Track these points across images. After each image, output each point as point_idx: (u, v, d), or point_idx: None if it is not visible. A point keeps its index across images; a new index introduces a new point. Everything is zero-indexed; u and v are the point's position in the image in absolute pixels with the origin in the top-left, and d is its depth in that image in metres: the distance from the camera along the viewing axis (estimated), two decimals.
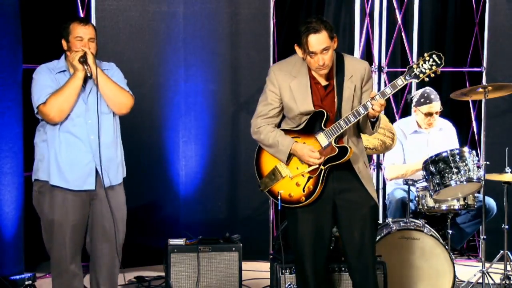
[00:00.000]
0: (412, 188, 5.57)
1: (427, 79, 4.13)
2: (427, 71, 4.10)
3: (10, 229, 5.68)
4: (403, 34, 6.95)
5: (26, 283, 5.44)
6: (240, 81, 6.77)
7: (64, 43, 4.46)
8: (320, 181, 4.21)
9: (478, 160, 5.37)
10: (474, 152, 5.37)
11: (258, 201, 6.76)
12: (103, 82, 4.42)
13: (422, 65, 4.10)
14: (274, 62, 6.78)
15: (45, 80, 4.42)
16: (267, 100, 4.32)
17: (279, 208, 4.27)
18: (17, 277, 5.50)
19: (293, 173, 4.26)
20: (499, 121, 6.68)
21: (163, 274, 5.74)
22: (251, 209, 6.76)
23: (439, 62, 4.09)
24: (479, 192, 5.62)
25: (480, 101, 6.72)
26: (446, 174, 5.25)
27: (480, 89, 5.46)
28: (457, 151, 5.32)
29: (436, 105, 6.00)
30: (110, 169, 4.50)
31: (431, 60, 4.09)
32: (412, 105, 6.11)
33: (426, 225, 5.35)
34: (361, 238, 4.26)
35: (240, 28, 6.74)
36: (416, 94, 6.09)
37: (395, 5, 6.95)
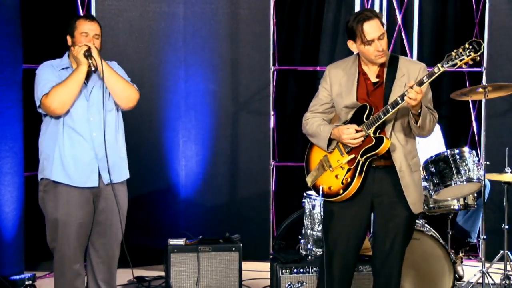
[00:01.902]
0: None
1: (465, 66, 4.05)
2: (465, 57, 4.01)
3: (11, 229, 5.69)
4: (403, 34, 6.95)
5: (26, 283, 5.45)
6: (240, 81, 6.77)
7: (69, 38, 4.48)
8: (358, 173, 4.18)
9: (478, 160, 5.37)
10: (474, 152, 5.37)
11: (258, 201, 6.76)
12: (109, 74, 4.44)
13: (460, 52, 4.02)
14: (274, 62, 6.79)
15: (48, 75, 4.44)
16: (318, 96, 4.38)
17: (320, 201, 4.27)
18: (17, 277, 5.50)
19: (333, 165, 4.27)
20: (499, 121, 6.68)
21: (163, 274, 5.75)
22: (251, 209, 6.76)
23: (477, 48, 3.99)
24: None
25: (480, 101, 6.72)
26: (446, 174, 5.25)
27: (480, 89, 5.45)
28: (457, 151, 5.32)
29: None
30: (113, 167, 4.50)
31: (471, 47, 4.00)
32: None
33: (426, 225, 5.35)
34: (391, 246, 4.25)
35: (240, 28, 6.74)
36: None
37: (395, 5, 6.95)
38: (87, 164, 4.44)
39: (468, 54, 4.01)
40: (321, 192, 4.29)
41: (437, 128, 6.19)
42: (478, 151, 6.57)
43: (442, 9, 7.15)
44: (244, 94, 6.77)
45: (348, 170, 4.22)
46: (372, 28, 4.14)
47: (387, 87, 4.20)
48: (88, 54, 4.37)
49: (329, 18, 7.05)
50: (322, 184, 4.30)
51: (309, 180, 4.40)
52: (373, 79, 4.25)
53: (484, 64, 6.74)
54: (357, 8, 6.95)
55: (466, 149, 5.37)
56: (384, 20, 4.07)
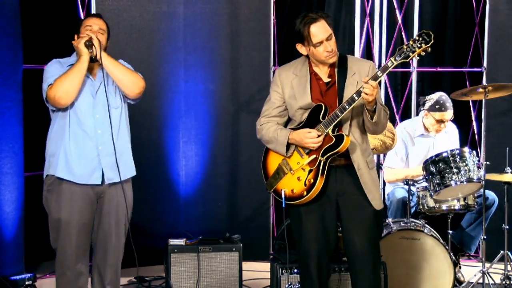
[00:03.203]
0: (412, 188, 5.57)
1: (417, 57, 4.09)
2: (417, 49, 4.04)
3: (11, 229, 5.68)
4: (403, 34, 6.95)
5: (26, 283, 5.44)
6: (240, 81, 6.77)
7: (76, 37, 4.49)
8: (320, 173, 4.19)
9: (479, 160, 5.37)
10: (474, 152, 5.37)
11: (258, 201, 6.76)
12: (110, 62, 4.43)
13: (411, 44, 4.05)
14: (274, 62, 6.79)
15: (56, 69, 4.46)
16: (270, 100, 4.38)
17: (283, 206, 4.27)
18: (17, 277, 5.50)
19: (294, 168, 4.26)
20: (499, 121, 6.68)
21: (163, 274, 5.75)
22: (251, 209, 6.76)
23: (428, 40, 4.02)
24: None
25: (480, 101, 6.72)
26: (447, 174, 5.25)
27: (480, 89, 5.45)
28: (457, 151, 5.32)
29: (449, 113, 5.96)
30: (116, 165, 4.50)
31: (421, 38, 4.04)
32: (423, 108, 6.04)
33: (426, 225, 5.35)
34: (361, 241, 4.24)
35: (240, 28, 6.74)
36: (430, 98, 5.97)
37: (395, 5, 6.95)
38: (90, 161, 4.44)
39: (419, 45, 4.04)
40: (283, 196, 4.27)
41: (455, 130, 6.19)
42: (478, 151, 6.56)
43: (442, 9, 7.15)
44: (244, 94, 6.77)
45: (310, 171, 4.22)
46: (319, 30, 4.13)
47: (340, 86, 4.22)
48: (89, 44, 4.37)
49: None
50: (284, 187, 4.29)
51: (269, 186, 4.38)
52: (325, 79, 4.27)
53: (484, 64, 6.75)
54: (357, 8, 6.96)
55: (466, 149, 5.38)
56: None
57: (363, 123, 4.27)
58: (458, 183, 5.23)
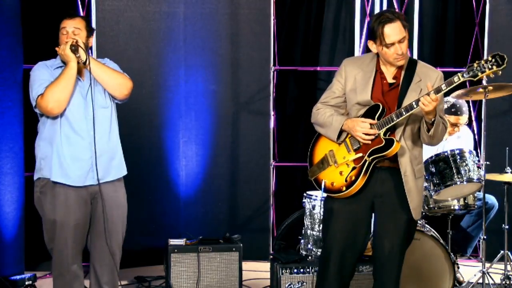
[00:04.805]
0: None
1: (485, 78, 4.02)
2: (487, 70, 3.96)
3: (11, 229, 5.69)
4: None
5: (27, 283, 5.44)
6: (240, 81, 6.77)
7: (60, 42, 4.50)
8: (363, 173, 4.17)
9: (479, 160, 5.37)
10: (474, 152, 5.37)
11: (258, 201, 6.76)
12: (96, 66, 4.42)
13: (483, 64, 3.98)
14: (274, 62, 6.79)
15: (43, 74, 4.43)
16: (331, 89, 4.34)
17: (321, 196, 4.25)
18: (18, 277, 5.50)
19: (339, 161, 4.26)
20: (499, 121, 6.68)
21: (163, 274, 5.75)
22: (251, 209, 6.76)
23: (500, 63, 3.95)
24: (479, 191, 5.59)
25: (480, 101, 6.72)
26: (447, 174, 5.25)
27: (480, 89, 5.44)
28: (457, 151, 5.32)
29: (465, 118, 5.93)
30: (110, 164, 4.50)
31: (493, 60, 3.96)
32: None
33: (426, 225, 5.35)
34: (391, 248, 4.22)
35: (240, 28, 6.74)
36: (447, 101, 5.92)
37: (395, 5, 6.94)
38: (85, 162, 4.43)
39: (490, 67, 3.96)
40: (322, 187, 4.28)
41: (469, 134, 6.17)
42: (478, 151, 6.56)
43: (442, 9, 7.15)
44: (244, 94, 6.77)
45: (354, 168, 4.21)
46: (393, 31, 4.07)
47: (402, 90, 4.18)
48: (74, 49, 4.36)
49: (329, 18, 7.05)
50: (325, 178, 4.28)
51: (311, 173, 4.39)
52: (390, 79, 4.22)
53: None
54: (357, 8, 6.95)
55: (466, 149, 5.37)
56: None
57: (418, 131, 4.22)
58: (458, 183, 5.23)
